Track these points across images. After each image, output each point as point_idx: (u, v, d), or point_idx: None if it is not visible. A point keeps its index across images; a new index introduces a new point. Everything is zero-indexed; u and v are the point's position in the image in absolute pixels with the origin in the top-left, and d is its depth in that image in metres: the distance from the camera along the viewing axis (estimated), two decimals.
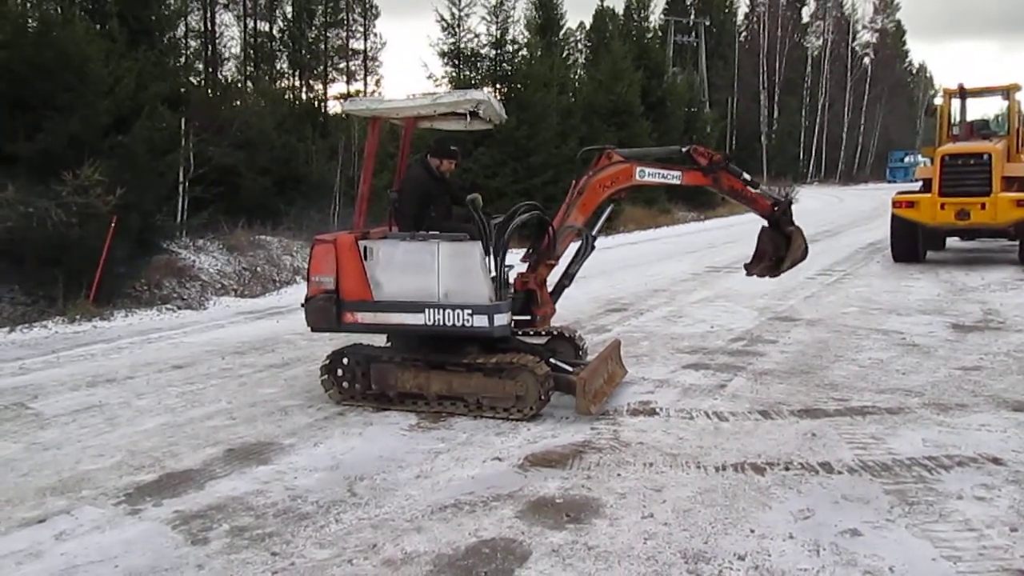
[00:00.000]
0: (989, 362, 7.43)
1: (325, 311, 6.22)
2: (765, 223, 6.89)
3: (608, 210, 6.98)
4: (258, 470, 5.00)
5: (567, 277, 6.71)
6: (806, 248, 6.88)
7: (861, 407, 6.11)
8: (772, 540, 3.93)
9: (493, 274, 6.03)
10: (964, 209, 13.65)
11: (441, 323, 5.96)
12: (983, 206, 13.53)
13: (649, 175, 6.56)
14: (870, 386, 6.70)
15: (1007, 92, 15.51)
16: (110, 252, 10.69)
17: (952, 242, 16.25)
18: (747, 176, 6.73)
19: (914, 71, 74.26)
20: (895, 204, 14.48)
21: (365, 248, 6.13)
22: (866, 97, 60.48)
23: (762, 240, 6.96)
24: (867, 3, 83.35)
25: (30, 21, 12.02)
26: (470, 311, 5.90)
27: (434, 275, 5.97)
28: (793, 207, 6.96)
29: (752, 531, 4.03)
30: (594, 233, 6.69)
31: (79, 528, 4.20)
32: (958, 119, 16.35)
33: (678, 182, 6.74)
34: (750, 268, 7.06)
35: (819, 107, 57.47)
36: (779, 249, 6.83)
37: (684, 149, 6.68)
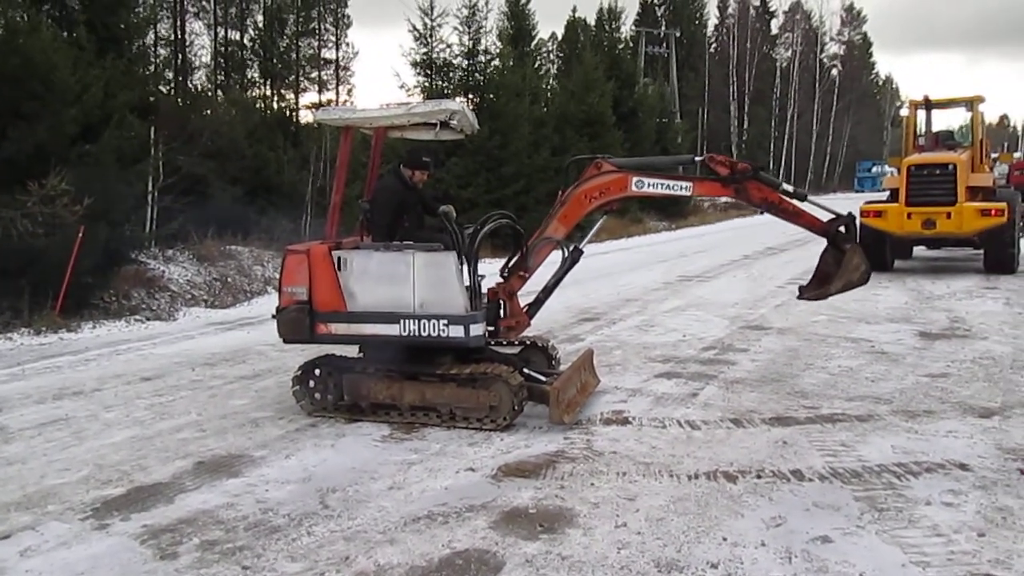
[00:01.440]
0: (956, 369, 7.54)
1: (298, 322, 6.18)
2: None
3: (600, 222, 6.77)
4: (228, 483, 4.94)
5: (544, 291, 6.54)
6: (867, 269, 6.07)
7: (831, 414, 6.17)
8: (744, 548, 3.95)
9: (468, 284, 6.03)
10: (930, 218, 13.86)
11: (416, 334, 5.94)
12: (949, 215, 13.74)
13: (649, 186, 6.16)
14: (840, 394, 6.77)
15: (971, 104, 15.82)
16: (77, 263, 10.53)
17: (919, 251, 16.50)
18: (787, 187, 6.04)
19: (881, 82, 75.44)
20: (863, 213, 14.64)
21: (339, 258, 6.10)
22: (834, 108, 61.33)
23: (824, 260, 6.26)
24: (835, 16, 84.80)
25: None
26: (446, 321, 5.89)
27: (409, 285, 5.95)
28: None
29: (724, 539, 4.05)
30: (582, 245, 6.50)
31: (44, 544, 4.12)
32: (924, 130, 16.63)
33: (687, 193, 6.34)
34: (804, 291, 6.37)
35: (788, 118, 58.08)
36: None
37: (699, 158, 6.23)
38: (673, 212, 30.80)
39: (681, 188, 6.25)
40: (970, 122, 16.12)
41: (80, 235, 10.45)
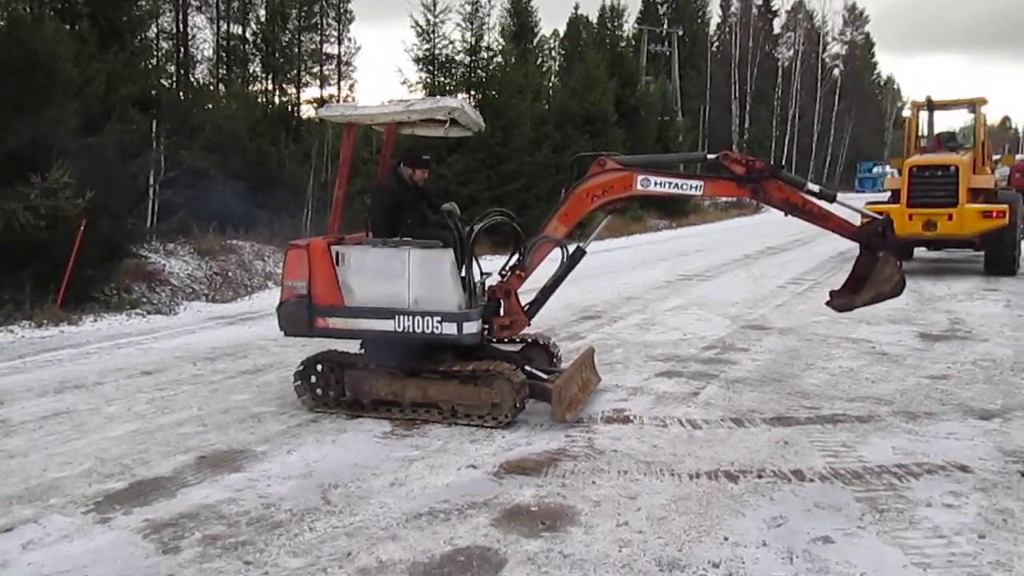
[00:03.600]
0: (956, 371, 7.54)
1: (297, 315, 6.20)
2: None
3: (605, 221, 6.63)
4: (230, 478, 4.95)
5: (544, 291, 6.46)
6: (900, 280, 5.55)
7: (832, 415, 6.18)
8: (746, 548, 3.96)
9: (464, 281, 6.02)
10: (931, 220, 13.87)
11: (410, 330, 5.95)
12: (950, 217, 13.76)
13: (656, 184, 5.87)
14: (840, 394, 6.78)
15: (973, 105, 15.82)
16: (79, 256, 10.53)
17: (919, 252, 16.50)
18: (813, 186, 5.64)
19: (882, 83, 75.41)
20: None
21: (337, 253, 6.11)
22: (836, 108, 61.26)
23: (859, 264, 5.79)
24: (837, 16, 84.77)
25: None
26: (439, 318, 5.89)
27: (404, 282, 5.95)
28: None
29: (726, 539, 4.06)
30: (585, 245, 6.37)
31: (47, 537, 4.13)
32: (926, 131, 16.63)
33: (697, 192, 6.08)
34: (835, 297, 5.89)
35: (789, 117, 58.01)
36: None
37: (713, 156, 5.86)
38: (674, 210, 30.80)
39: (691, 187, 6.00)
40: (972, 124, 16.12)
41: (82, 228, 10.45)
